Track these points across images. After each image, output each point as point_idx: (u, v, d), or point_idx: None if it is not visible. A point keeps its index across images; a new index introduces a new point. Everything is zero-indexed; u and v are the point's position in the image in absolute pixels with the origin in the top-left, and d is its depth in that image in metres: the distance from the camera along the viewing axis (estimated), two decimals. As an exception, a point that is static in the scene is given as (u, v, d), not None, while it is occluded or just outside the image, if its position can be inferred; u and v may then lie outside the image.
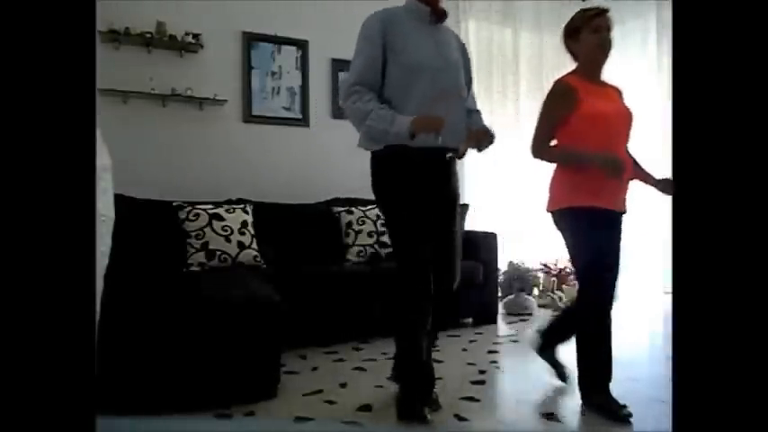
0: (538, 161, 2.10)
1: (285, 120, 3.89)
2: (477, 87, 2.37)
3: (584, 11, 2.06)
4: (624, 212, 2.11)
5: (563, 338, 2.30)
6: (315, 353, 2.83)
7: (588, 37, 2.02)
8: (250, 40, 3.77)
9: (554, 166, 2.13)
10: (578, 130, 2.00)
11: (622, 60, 4.84)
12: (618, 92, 2.17)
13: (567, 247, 2.10)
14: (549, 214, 2.13)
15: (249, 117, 3.77)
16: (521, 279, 4.12)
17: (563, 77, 2.08)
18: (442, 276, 1.99)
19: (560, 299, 4.17)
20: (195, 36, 3.52)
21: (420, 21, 1.96)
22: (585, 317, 2.06)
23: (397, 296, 1.94)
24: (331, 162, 3.95)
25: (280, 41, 3.85)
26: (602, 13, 2.03)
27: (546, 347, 2.35)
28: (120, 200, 1.50)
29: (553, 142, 2.08)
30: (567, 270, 4.50)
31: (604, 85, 2.13)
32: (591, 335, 2.04)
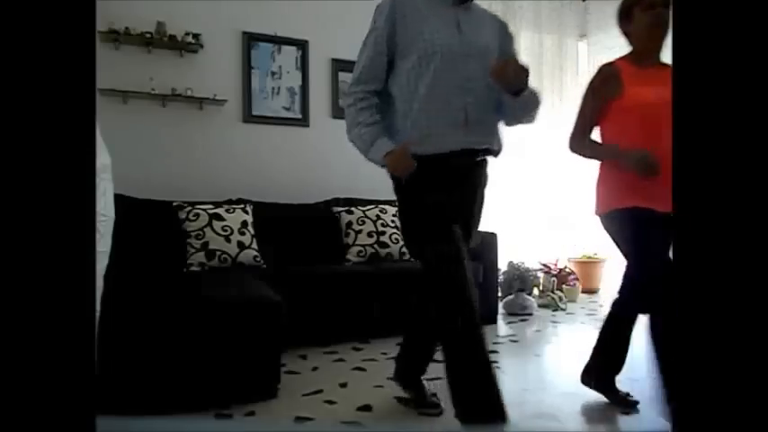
0: (576, 156, 1.97)
1: (285, 120, 3.89)
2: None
3: None
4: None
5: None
6: (315, 353, 2.83)
7: (641, 15, 1.82)
8: (250, 40, 3.77)
9: (595, 166, 1.99)
10: (619, 122, 1.84)
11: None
12: None
13: (621, 252, 1.94)
14: (598, 218, 1.98)
15: (249, 117, 3.78)
16: (521, 279, 4.12)
17: (612, 61, 1.90)
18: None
19: (560, 299, 4.16)
20: (195, 36, 3.52)
21: (441, 1, 1.71)
22: (623, 319, 2.04)
23: (446, 340, 1.69)
24: (331, 162, 3.95)
25: (280, 41, 3.85)
26: None
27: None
28: (120, 200, 1.50)
29: (596, 137, 1.93)
30: (567, 270, 4.50)
31: (661, 68, 1.88)
32: (621, 336, 2.05)
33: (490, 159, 1.84)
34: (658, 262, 1.78)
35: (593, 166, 2.03)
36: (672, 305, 1.70)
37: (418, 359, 2.07)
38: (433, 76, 1.64)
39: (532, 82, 1.70)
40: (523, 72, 1.61)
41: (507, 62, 1.60)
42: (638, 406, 2.02)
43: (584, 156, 1.93)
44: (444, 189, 1.68)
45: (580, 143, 1.91)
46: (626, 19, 1.89)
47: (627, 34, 1.92)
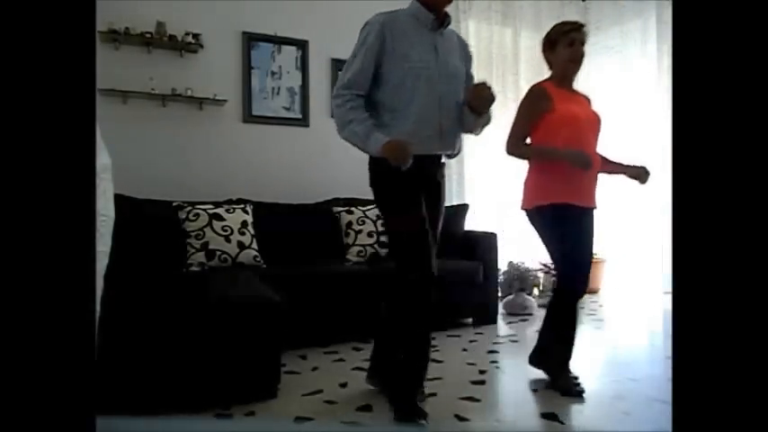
0: (512, 159, 2.28)
1: (285, 120, 3.89)
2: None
3: (561, 24, 2.24)
4: (595, 208, 2.28)
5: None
6: (315, 353, 2.83)
7: (563, 50, 2.19)
8: (250, 40, 3.77)
9: (527, 167, 2.31)
10: (551, 129, 2.16)
11: (622, 60, 4.85)
12: (587, 99, 2.37)
13: (544, 244, 2.26)
14: (524, 213, 2.29)
15: (249, 117, 3.78)
16: (521, 279, 4.12)
17: (539, 83, 2.26)
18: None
19: (560, 299, 4.16)
20: (195, 36, 3.53)
21: (423, 26, 1.96)
22: (560, 306, 2.24)
23: (399, 294, 1.93)
24: (331, 162, 3.95)
25: (280, 41, 3.85)
26: (578, 27, 2.20)
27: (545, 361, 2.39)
28: (120, 200, 1.50)
29: (527, 141, 2.26)
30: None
31: (575, 92, 2.32)
32: (563, 323, 2.24)
33: (447, 161, 2.16)
34: (584, 250, 2.21)
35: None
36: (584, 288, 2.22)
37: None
38: (416, 93, 1.89)
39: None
40: (493, 98, 1.95)
41: (486, 89, 1.92)
42: (636, 405, 2.03)
43: (521, 156, 2.27)
44: (416, 181, 1.93)
45: (517, 147, 2.24)
46: (549, 50, 2.25)
47: (549, 62, 2.28)
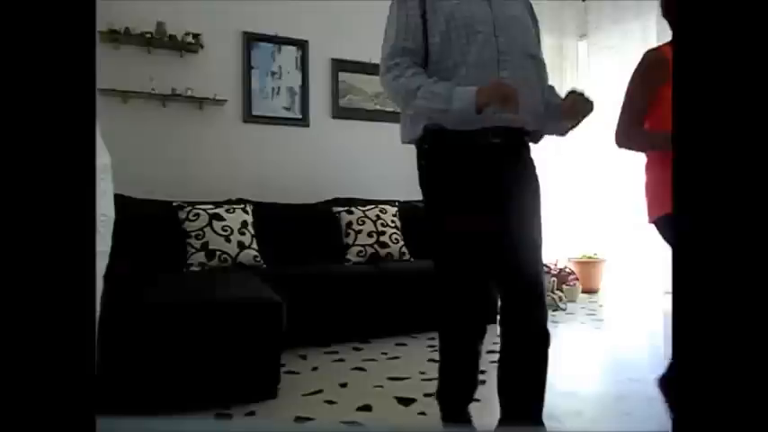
0: (623, 151, 1.77)
1: (285, 120, 3.89)
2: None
3: None
4: None
5: None
6: (315, 353, 2.83)
7: None
8: (250, 40, 3.77)
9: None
10: (668, 111, 1.62)
11: (622, 60, 4.85)
12: None
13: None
14: (654, 226, 1.72)
15: (249, 117, 3.77)
16: (521, 279, 4.12)
17: (656, 47, 1.75)
18: (514, 275, 1.58)
19: (560, 299, 4.16)
20: (195, 36, 3.53)
21: None
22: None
23: (439, 314, 1.69)
24: (331, 162, 3.95)
25: (280, 41, 3.85)
26: None
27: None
28: (120, 200, 1.50)
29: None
30: (567, 270, 4.50)
31: None
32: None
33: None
34: None
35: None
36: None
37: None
38: (467, 50, 1.50)
39: None
40: (590, 107, 1.53)
41: (580, 98, 1.52)
42: (637, 405, 2.02)
43: (637, 149, 1.74)
44: (478, 178, 1.53)
45: (631, 135, 1.71)
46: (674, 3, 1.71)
47: (671, 20, 1.76)
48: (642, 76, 1.71)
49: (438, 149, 1.56)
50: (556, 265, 4.49)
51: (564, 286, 4.35)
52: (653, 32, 4.76)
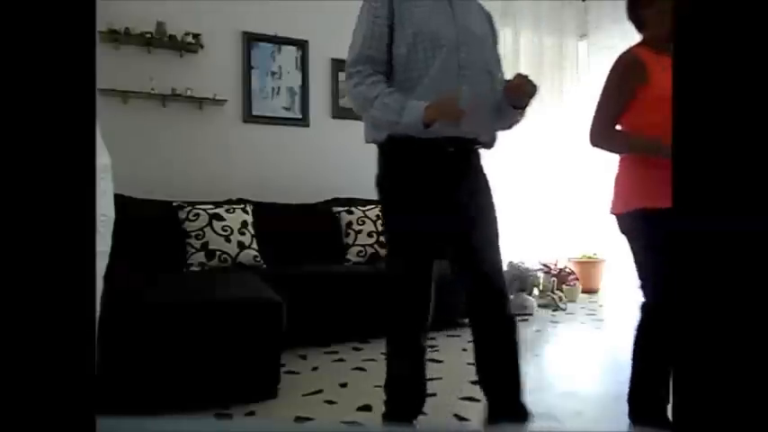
0: (597, 151, 1.78)
1: (285, 120, 3.89)
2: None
3: None
4: None
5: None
6: (315, 353, 2.83)
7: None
8: (250, 40, 3.77)
9: (616, 161, 1.81)
10: (648, 111, 1.66)
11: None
12: None
13: (635, 255, 1.82)
14: (615, 218, 1.80)
15: (249, 117, 3.78)
16: (521, 279, 4.12)
17: (628, 49, 1.75)
18: (477, 272, 1.65)
19: (560, 299, 4.16)
20: (195, 36, 3.53)
21: None
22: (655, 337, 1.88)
23: (387, 306, 1.77)
24: (331, 162, 3.95)
25: (280, 41, 3.85)
26: None
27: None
28: (120, 200, 1.50)
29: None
30: (567, 270, 4.50)
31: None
32: (655, 354, 1.88)
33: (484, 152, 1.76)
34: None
35: (606, 163, 1.91)
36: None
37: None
38: (430, 63, 1.58)
39: (536, 79, 1.70)
40: (535, 89, 1.63)
41: (526, 80, 1.60)
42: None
43: (611, 149, 1.76)
44: (436, 184, 1.62)
45: (606, 133, 1.73)
46: (642, 2, 1.74)
47: (638, 20, 1.78)
48: (621, 76, 1.72)
49: (397, 153, 1.64)
50: (556, 265, 4.49)
51: (564, 286, 4.35)
52: (653, 32, 4.77)
